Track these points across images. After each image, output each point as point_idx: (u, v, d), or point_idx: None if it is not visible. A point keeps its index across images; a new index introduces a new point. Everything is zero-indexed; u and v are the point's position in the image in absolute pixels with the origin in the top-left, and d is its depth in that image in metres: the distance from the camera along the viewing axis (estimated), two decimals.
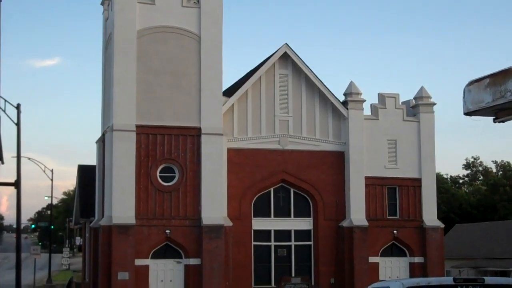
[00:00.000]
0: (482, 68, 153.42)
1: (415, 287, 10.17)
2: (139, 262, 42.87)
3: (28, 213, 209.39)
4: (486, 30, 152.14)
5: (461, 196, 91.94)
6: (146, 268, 43.33)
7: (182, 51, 44.97)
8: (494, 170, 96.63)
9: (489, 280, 10.21)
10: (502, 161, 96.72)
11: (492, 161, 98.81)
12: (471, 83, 12.73)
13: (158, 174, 44.10)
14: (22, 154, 40.85)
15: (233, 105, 46.73)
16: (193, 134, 44.50)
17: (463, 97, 12.87)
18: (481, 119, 13.05)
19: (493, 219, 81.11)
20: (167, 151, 44.23)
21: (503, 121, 12.70)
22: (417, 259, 48.61)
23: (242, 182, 46.11)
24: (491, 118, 12.89)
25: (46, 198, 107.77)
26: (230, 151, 45.87)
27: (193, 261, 43.86)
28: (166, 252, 44.17)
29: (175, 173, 44.39)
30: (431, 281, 10.71)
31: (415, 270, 47.77)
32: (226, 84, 50.68)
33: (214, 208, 44.11)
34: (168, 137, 44.24)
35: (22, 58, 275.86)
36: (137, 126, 43.60)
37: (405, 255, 48.99)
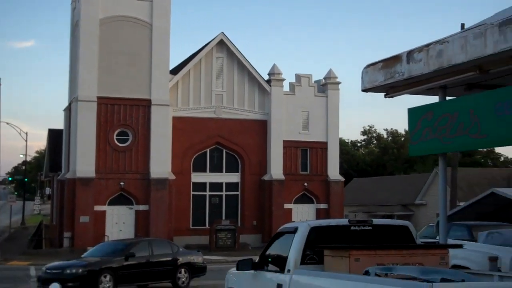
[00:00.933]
0: (377, 54, 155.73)
1: (318, 227, 10.26)
2: (97, 208, 42.61)
3: (6, 168, 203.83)
4: (381, 22, 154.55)
5: (358, 157, 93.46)
6: (103, 213, 43.08)
7: (137, 37, 44.37)
8: (385, 136, 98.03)
9: (376, 221, 10.44)
10: (391, 129, 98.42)
11: (384, 129, 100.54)
12: (368, 66, 13.04)
13: (114, 137, 43.68)
14: (2, 119, 40.10)
15: (178, 81, 46.45)
16: (145, 105, 44.12)
17: (362, 77, 13.15)
18: (375, 95, 13.43)
19: (383, 174, 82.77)
20: (123, 118, 43.81)
21: (392, 97, 13.08)
22: (322, 206, 49.51)
23: (184, 144, 46.03)
24: (382, 94, 13.29)
25: (21, 156, 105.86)
26: (174, 118, 45.68)
27: (142, 207, 43.79)
28: (120, 200, 43.93)
29: (129, 136, 44.03)
30: (330, 222, 10.82)
31: (320, 214, 48.66)
32: (173, 63, 50.30)
33: (161, 164, 44.02)
34: (123, 107, 43.78)
35: (3, 40, 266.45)
36: (98, 98, 42.99)
37: (313, 202, 49.83)
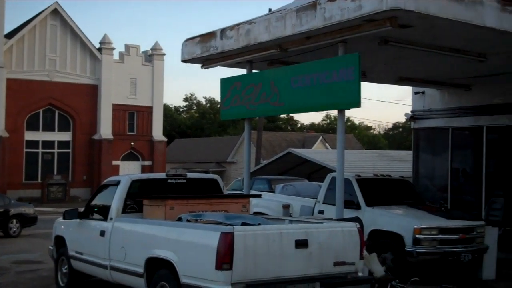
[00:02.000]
0: (196, 29, 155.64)
1: (139, 179, 10.19)
2: None
3: None
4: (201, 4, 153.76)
5: (180, 120, 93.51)
6: None
7: None
8: (204, 103, 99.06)
9: (190, 175, 10.55)
10: (209, 96, 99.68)
11: (203, 96, 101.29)
12: (187, 40, 13.00)
13: None
14: None
15: (12, 45, 43.14)
16: None
17: (182, 49, 13.13)
18: (194, 66, 13.45)
19: (201, 136, 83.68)
20: None
21: (207, 68, 13.19)
22: (147, 163, 49.16)
23: (18, 104, 43.08)
24: (199, 65, 13.37)
25: None
26: (8, 80, 42.44)
27: None
28: None
29: None
30: (150, 175, 10.80)
31: (145, 170, 48.21)
32: (11, 27, 46.55)
33: None
34: None
35: None
36: None
37: (138, 160, 49.26)
